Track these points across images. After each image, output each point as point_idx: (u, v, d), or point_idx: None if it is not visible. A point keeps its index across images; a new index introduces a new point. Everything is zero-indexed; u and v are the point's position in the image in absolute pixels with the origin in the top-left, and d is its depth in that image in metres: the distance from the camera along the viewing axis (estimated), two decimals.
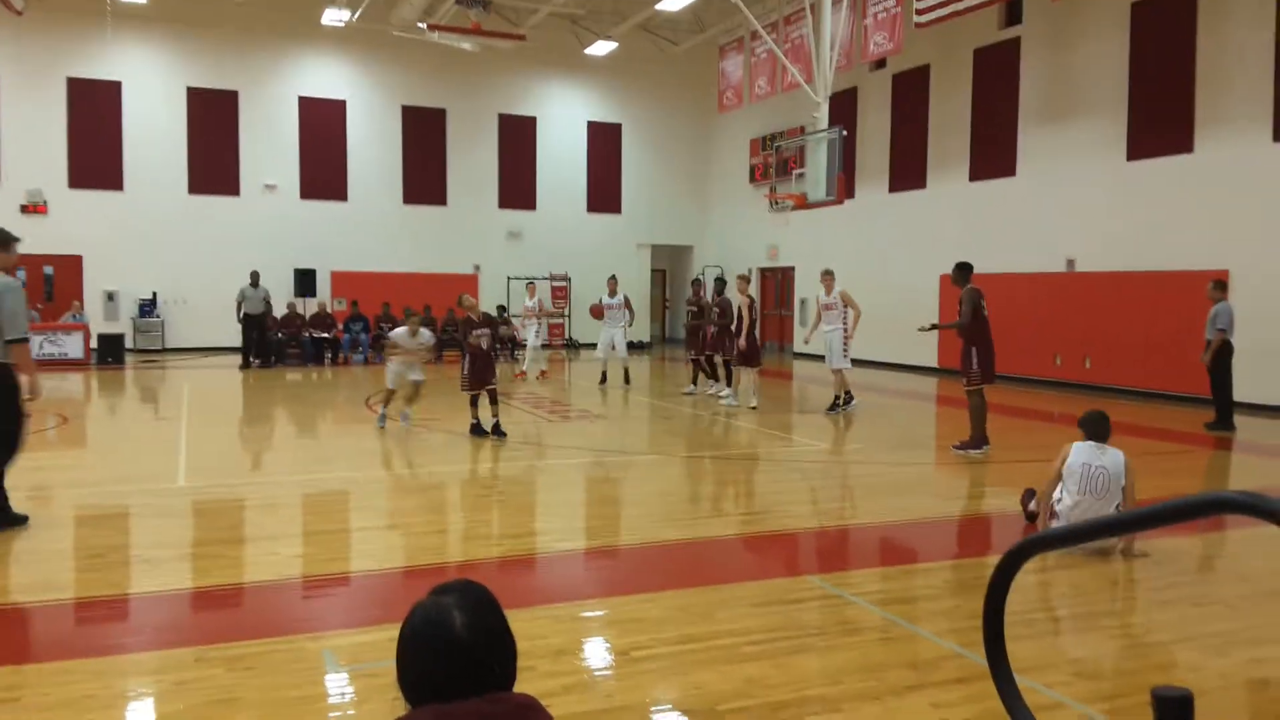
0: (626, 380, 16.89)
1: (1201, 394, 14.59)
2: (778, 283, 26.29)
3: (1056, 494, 6.51)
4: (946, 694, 4.13)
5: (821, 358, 14.72)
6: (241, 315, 19.96)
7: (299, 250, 23.65)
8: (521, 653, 1.77)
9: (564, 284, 26.19)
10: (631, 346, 26.98)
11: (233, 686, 4.12)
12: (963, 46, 19.38)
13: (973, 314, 10.35)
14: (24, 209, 21.82)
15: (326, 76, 24.45)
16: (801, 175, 17.06)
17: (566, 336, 26.04)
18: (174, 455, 9.81)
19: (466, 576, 1.80)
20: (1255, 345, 14.08)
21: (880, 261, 21.59)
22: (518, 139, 26.46)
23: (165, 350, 22.51)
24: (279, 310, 21.44)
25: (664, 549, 6.62)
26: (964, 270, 10.77)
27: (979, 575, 5.91)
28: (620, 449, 10.87)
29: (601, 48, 24.27)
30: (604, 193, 27.67)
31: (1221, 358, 12.49)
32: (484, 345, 11.05)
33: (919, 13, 16.51)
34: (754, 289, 24.46)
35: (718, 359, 15.52)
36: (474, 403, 11.10)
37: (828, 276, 13.85)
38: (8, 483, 6.68)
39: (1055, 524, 6.40)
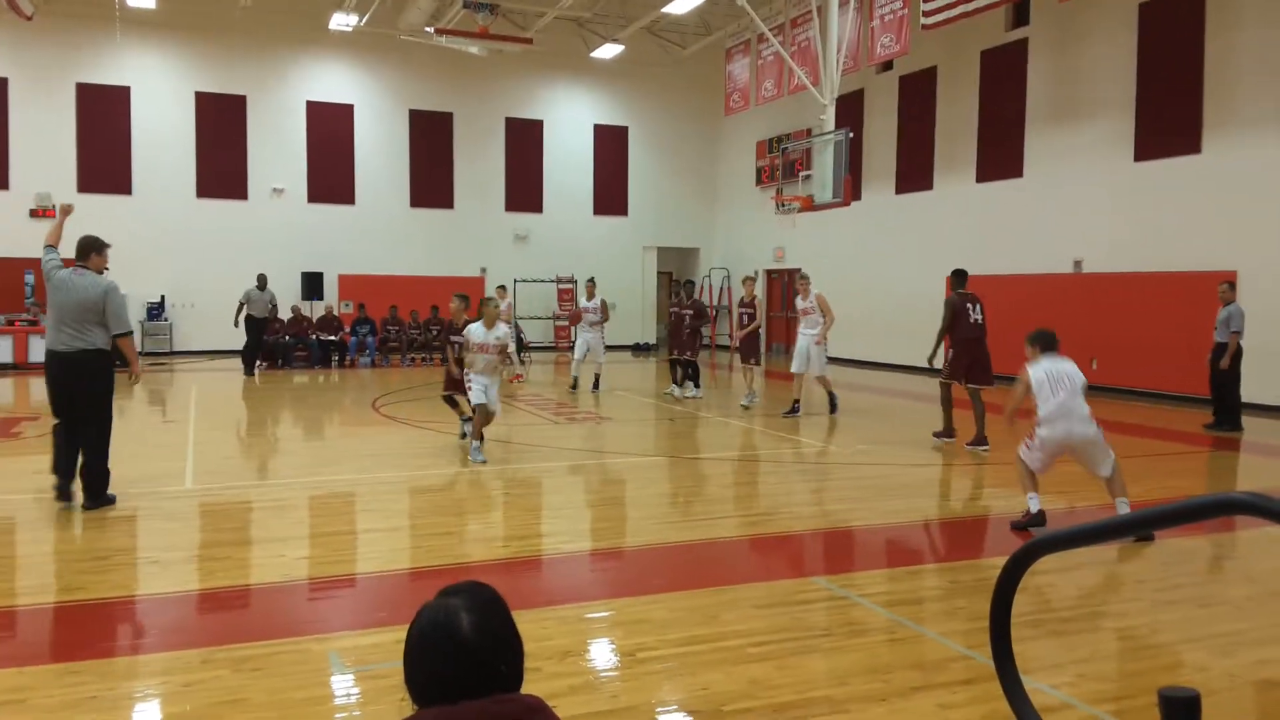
0: (596, 385, 16.36)
1: (1211, 395, 14.55)
2: (784, 285, 26.27)
3: (1040, 408, 7.01)
4: (953, 695, 4.12)
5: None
6: (244, 317, 19.27)
7: (306, 254, 23.71)
8: (527, 654, 1.77)
9: (570, 286, 26.20)
10: (638, 348, 27.14)
11: (239, 688, 4.13)
12: (970, 48, 19.35)
13: (952, 320, 11.35)
14: (33, 213, 21.93)
15: (334, 81, 24.52)
16: (808, 177, 17.10)
17: (573, 339, 26.04)
18: (182, 458, 9.84)
19: (474, 578, 1.80)
20: (1263, 347, 14.04)
21: (887, 263, 21.57)
22: (524, 142, 26.49)
23: (173, 353, 22.59)
24: (284, 312, 21.47)
25: (669, 550, 6.61)
26: (956, 277, 11.87)
27: (985, 576, 5.89)
28: (626, 450, 10.86)
29: (608, 51, 24.29)
30: (610, 195, 27.69)
31: (1235, 359, 12.52)
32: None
33: (926, 14, 16.49)
34: (760, 289, 24.47)
35: (688, 359, 15.50)
36: (455, 404, 10.90)
37: (804, 281, 13.62)
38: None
39: (1040, 430, 6.97)
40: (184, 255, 22.70)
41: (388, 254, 24.68)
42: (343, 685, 4.27)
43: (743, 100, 22.91)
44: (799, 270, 13.99)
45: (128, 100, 22.67)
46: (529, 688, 1.73)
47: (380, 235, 24.75)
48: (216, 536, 6.94)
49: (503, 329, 10.04)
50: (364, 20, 21.72)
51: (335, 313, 22.45)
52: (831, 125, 16.46)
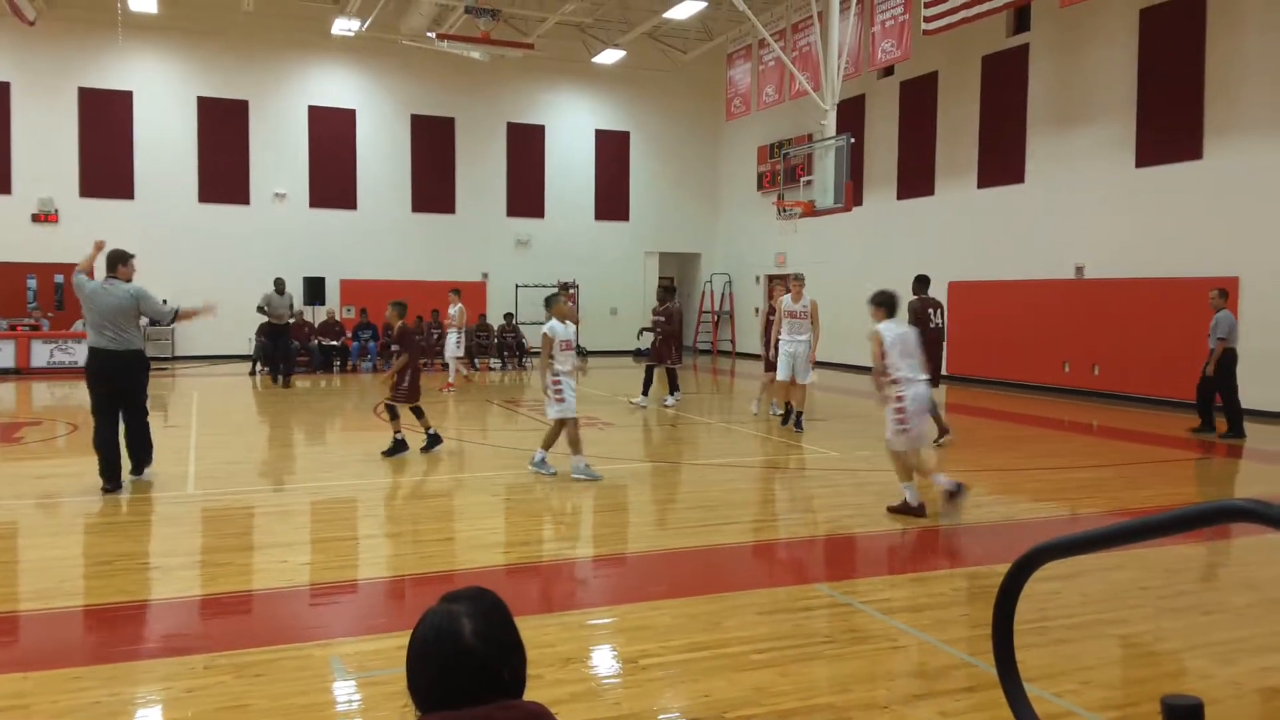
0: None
1: (1214, 402, 14.54)
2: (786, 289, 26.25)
3: (895, 368, 7.79)
4: (955, 702, 4.12)
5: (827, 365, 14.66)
6: (264, 323, 18.54)
7: (308, 258, 23.73)
8: (530, 661, 1.77)
9: (572, 292, 26.21)
10: (638, 354, 27.10)
11: (242, 694, 4.13)
12: (971, 53, 19.37)
13: (915, 324, 11.54)
14: (35, 218, 21.97)
15: (336, 86, 24.56)
16: (809, 182, 17.10)
17: (575, 345, 26.03)
18: (184, 463, 9.85)
19: (476, 584, 1.80)
20: (1264, 352, 14.04)
21: (888, 269, 21.53)
22: (526, 147, 26.53)
23: (175, 358, 22.61)
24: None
25: (672, 556, 6.61)
26: (918, 283, 12.49)
27: (988, 583, 5.89)
28: (628, 457, 10.86)
29: (609, 56, 24.33)
30: (612, 200, 27.71)
31: (1225, 366, 12.44)
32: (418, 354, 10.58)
33: (927, 20, 16.52)
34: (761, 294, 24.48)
35: (650, 364, 15.36)
36: (397, 415, 10.39)
37: (798, 281, 12.82)
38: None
39: (907, 394, 7.77)
40: (186, 260, 22.71)
41: (389, 259, 24.70)
42: (345, 691, 4.27)
43: (744, 105, 22.93)
44: (795, 273, 13.39)
45: (130, 105, 22.71)
46: (530, 694, 1.73)
47: (382, 240, 24.78)
48: (219, 542, 6.94)
49: (571, 326, 9.63)
50: (366, 25, 21.77)
51: (337, 318, 22.47)
52: (833, 130, 16.48)
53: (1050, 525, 7.63)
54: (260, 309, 18.38)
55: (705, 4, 20.47)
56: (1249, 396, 14.18)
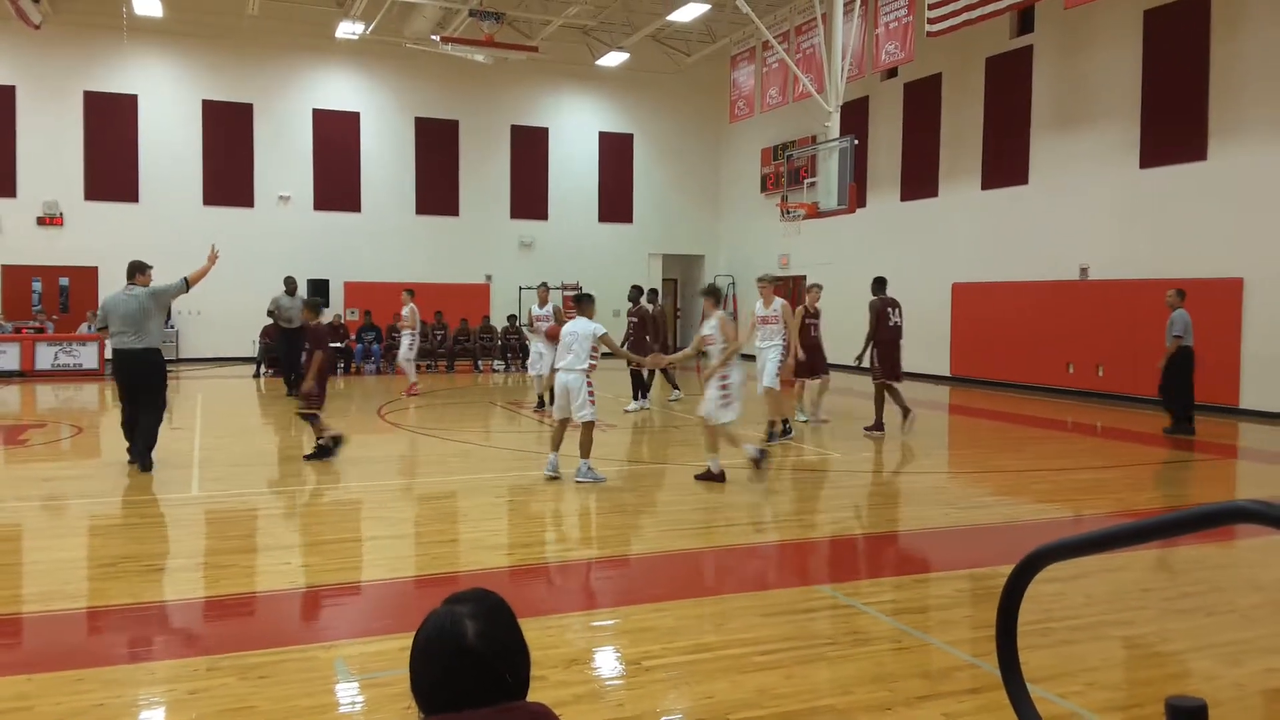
0: (541, 403, 14.80)
1: (1214, 403, 14.53)
2: (789, 292, 26.26)
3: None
4: (959, 704, 4.11)
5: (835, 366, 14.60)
6: (274, 328, 17.39)
7: (312, 261, 23.75)
8: (533, 662, 1.77)
9: (574, 293, 26.23)
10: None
11: (245, 696, 4.13)
12: (975, 55, 19.36)
13: (876, 323, 12.27)
14: (40, 221, 22.02)
15: (340, 89, 24.60)
16: (813, 184, 17.06)
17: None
18: (188, 465, 9.86)
19: (480, 586, 1.80)
20: (1269, 354, 14.01)
21: (892, 270, 21.37)
22: (530, 150, 26.55)
23: (179, 360, 22.63)
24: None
25: (674, 558, 6.61)
26: (876, 284, 12.83)
27: (991, 585, 5.88)
28: (631, 458, 10.85)
29: (613, 58, 24.35)
30: (615, 202, 27.73)
31: (1181, 364, 12.52)
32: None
33: (931, 22, 16.51)
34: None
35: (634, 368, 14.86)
36: (316, 420, 10.07)
37: (766, 285, 12.11)
38: None
39: (732, 374, 8.86)
40: (190, 263, 22.36)
41: (393, 261, 24.72)
42: (348, 693, 4.27)
43: (748, 107, 22.94)
44: (763, 275, 12.71)
45: (135, 108, 22.77)
46: (533, 696, 1.73)
47: (386, 242, 24.81)
48: (222, 544, 6.95)
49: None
50: (370, 29, 21.80)
51: (342, 320, 22.50)
52: (836, 132, 16.47)
53: (1054, 526, 7.62)
54: (270, 313, 17.27)
55: (709, 6, 20.48)
56: (1252, 399, 14.19)
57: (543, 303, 15.25)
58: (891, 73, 21.17)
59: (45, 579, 5.98)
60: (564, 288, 26.01)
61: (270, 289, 19.28)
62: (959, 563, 6.66)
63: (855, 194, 15.92)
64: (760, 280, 12.20)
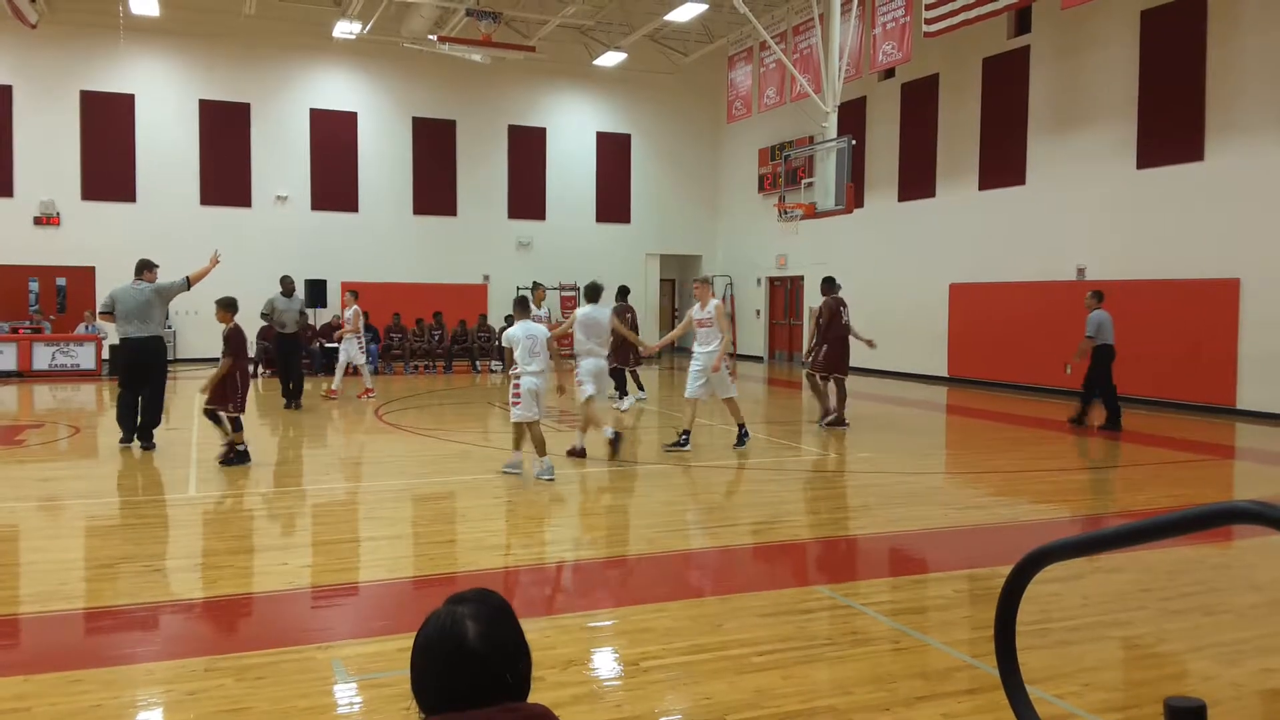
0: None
1: (1214, 403, 14.57)
2: (786, 292, 26.30)
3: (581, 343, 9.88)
4: (958, 704, 4.11)
5: None
6: (270, 333, 16.01)
7: (310, 261, 23.72)
8: (531, 663, 1.77)
9: (573, 294, 26.24)
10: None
11: (242, 697, 4.13)
12: (972, 56, 19.38)
13: (830, 320, 12.85)
14: (37, 221, 21.99)
15: (337, 89, 24.59)
16: (810, 185, 17.09)
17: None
18: (185, 465, 9.85)
19: (479, 586, 1.80)
20: (1266, 354, 14.04)
21: (889, 271, 21.58)
22: (527, 150, 26.54)
23: (177, 361, 22.59)
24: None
25: (673, 559, 6.61)
26: (827, 283, 13.29)
27: (990, 585, 5.89)
28: (629, 458, 10.85)
29: (610, 58, 24.35)
30: (613, 203, 27.73)
31: (1101, 363, 12.95)
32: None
33: (928, 22, 16.52)
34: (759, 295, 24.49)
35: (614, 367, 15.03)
36: (239, 425, 9.91)
37: (702, 286, 11.51)
38: None
39: (585, 364, 10.03)
40: (187, 263, 22.42)
41: (391, 261, 24.72)
42: (346, 694, 4.27)
43: (745, 108, 22.95)
44: (699, 276, 12.65)
45: (131, 108, 22.74)
46: (532, 697, 1.73)
47: (383, 242, 24.80)
48: (220, 544, 6.94)
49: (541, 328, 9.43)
50: (367, 28, 21.79)
51: (338, 320, 22.46)
52: (834, 132, 16.48)
53: (1052, 527, 7.63)
54: (264, 316, 15.69)
55: (706, 6, 20.48)
56: (1249, 399, 14.23)
57: (539, 303, 15.26)
58: (889, 73, 21.18)
59: (43, 580, 5.97)
60: (561, 288, 26.04)
61: (267, 289, 19.11)
62: (957, 563, 6.66)
63: (853, 194, 15.92)
64: (696, 281, 11.76)
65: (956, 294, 19.87)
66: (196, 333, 22.90)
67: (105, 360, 19.95)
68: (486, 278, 25.83)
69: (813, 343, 13.17)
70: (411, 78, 24.84)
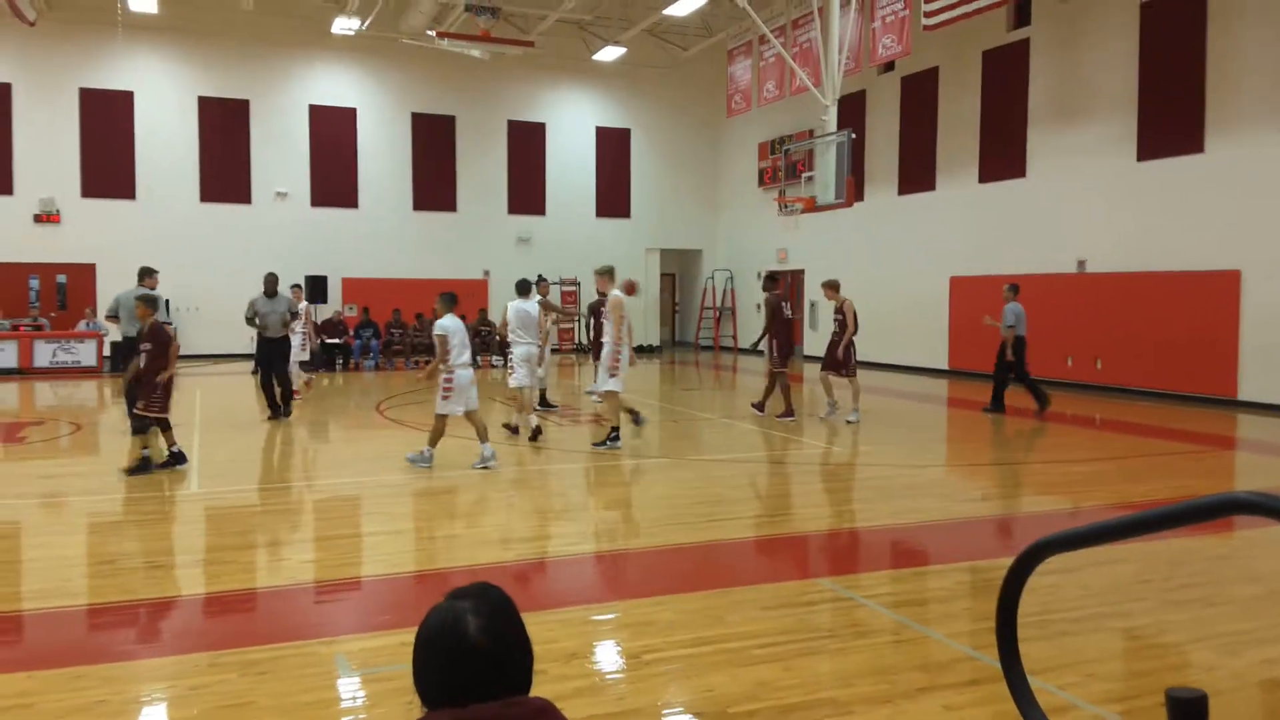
0: (546, 403, 14.30)
1: (1213, 395, 14.59)
2: (787, 286, 26.27)
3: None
4: (959, 696, 4.12)
5: (817, 359, 14.66)
6: (255, 337, 14.04)
7: (310, 257, 23.73)
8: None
9: (574, 289, 26.26)
10: (641, 350, 27.12)
11: (246, 691, 4.14)
12: (971, 48, 19.35)
13: (772, 315, 13.27)
14: (37, 218, 21.99)
15: (337, 85, 24.56)
16: (810, 178, 17.05)
17: (577, 341, 26.09)
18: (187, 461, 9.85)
19: (480, 580, 1.80)
20: (1267, 345, 14.03)
21: (890, 264, 21.58)
22: (527, 145, 26.52)
23: (178, 357, 22.59)
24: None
25: (674, 552, 6.61)
26: (769, 280, 13.77)
27: (991, 577, 5.89)
28: (630, 452, 10.86)
29: (610, 53, 24.30)
30: (613, 197, 27.71)
31: (1017, 353, 13.63)
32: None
33: (927, 15, 16.49)
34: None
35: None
36: (168, 426, 9.34)
37: (601, 277, 11.25)
38: None
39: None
40: (188, 259, 22.72)
41: (391, 257, 24.72)
42: (349, 688, 4.28)
43: (745, 102, 22.91)
44: (601, 265, 11.64)
45: (131, 105, 22.72)
46: (534, 690, 1.73)
47: (383, 238, 24.79)
48: (222, 540, 6.95)
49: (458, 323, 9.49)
50: (366, 24, 21.75)
51: (341, 316, 22.50)
52: (833, 126, 16.46)
53: (1054, 519, 7.64)
54: (248, 320, 13.62)
55: (705, 0, 20.44)
56: (1250, 391, 14.25)
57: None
58: (888, 66, 21.15)
59: (45, 576, 5.99)
60: (562, 283, 26.03)
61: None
62: (958, 555, 6.67)
63: (853, 188, 15.91)
64: (596, 272, 11.43)
65: (957, 287, 19.87)
66: (198, 329, 22.88)
67: (107, 357, 19.96)
68: (487, 273, 25.82)
69: (765, 341, 13.63)
70: (411, 73, 24.81)
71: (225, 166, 23.50)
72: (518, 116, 26.38)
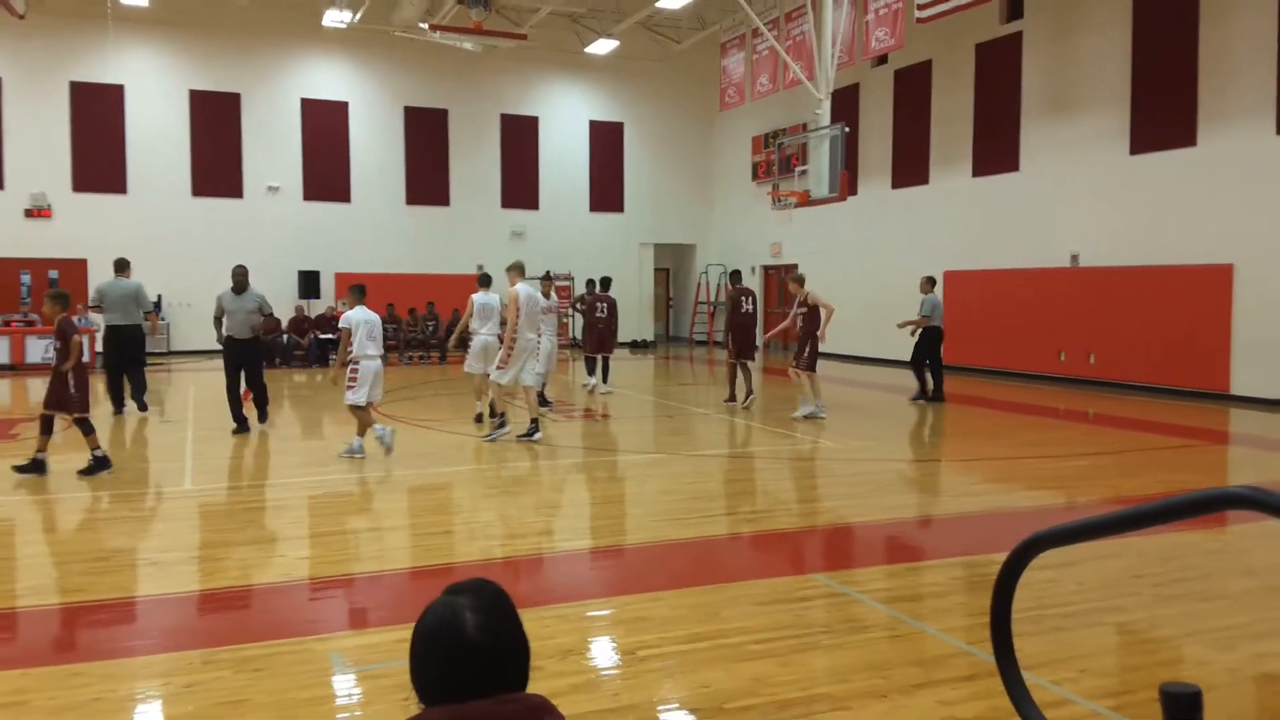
0: (544, 401, 13.81)
1: (1208, 389, 14.63)
2: (780, 280, 26.28)
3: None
4: (954, 691, 4.13)
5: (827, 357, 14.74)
6: (223, 337, 12.16)
7: (303, 252, 23.68)
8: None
9: (567, 284, 26.22)
10: (635, 345, 27.13)
11: (241, 688, 4.13)
12: (964, 42, 19.35)
13: (731, 310, 14.06)
14: (28, 213, 21.89)
15: (328, 78, 24.48)
16: (804, 172, 17.02)
17: (570, 337, 26.07)
18: (180, 458, 9.84)
19: (476, 576, 1.80)
20: (1259, 339, 14.07)
21: (884, 258, 21.58)
22: (520, 139, 26.47)
23: (170, 353, 22.55)
24: (284, 311, 21.35)
25: (670, 548, 6.62)
26: (732, 276, 14.96)
27: (985, 572, 5.91)
28: (625, 448, 10.87)
29: (603, 46, 24.26)
30: (606, 192, 27.67)
31: (931, 342, 14.46)
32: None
33: (920, 8, 16.48)
34: (755, 285, 24.46)
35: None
36: (90, 429, 8.88)
37: (510, 272, 11.66)
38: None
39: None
40: (180, 254, 22.65)
41: (384, 252, 24.66)
42: (344, 685, 4.28)
43: (738, 95, 22.89)
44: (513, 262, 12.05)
45: (121, 99, 22.62)
46: (530, 686, 1.73)
47: (376, 233, 24.74)
48: (216, 537, 6.94)
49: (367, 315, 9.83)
50: (358, 17, 21.68)
51: (334, 311, 22.44)
52: (827, 120, 16.44)
53: (1047, 513, 7.66)
54: (217, 319, 12.14)
55: None
56: (1243, 385, 14.31)
57: (546, 294, 14.38)
58: (882, 60, 21.14)
59: (39, 573, 5.97)
60: (556, 277, 25.94)
61: (259, 281, 18.87)
62: (952, 550, 6.69)
63: (846, 182, 15.90)
64: (509, 268, 11.67)
65: (950, 281, 19.88)
66: (191, 325, 22.82)
67: (99, 352, 19.86)
68: (480, 267, 25.74)
69: (726, 337, 14.27)
70: (403, 67, 24.74)
71: (217, 160, 23.41)
72: (511, 110, 26.32)
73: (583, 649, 4.71)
